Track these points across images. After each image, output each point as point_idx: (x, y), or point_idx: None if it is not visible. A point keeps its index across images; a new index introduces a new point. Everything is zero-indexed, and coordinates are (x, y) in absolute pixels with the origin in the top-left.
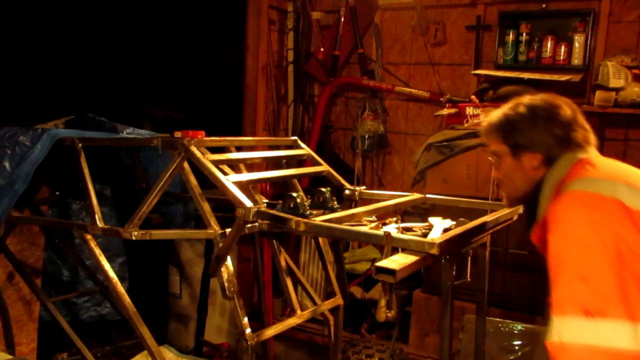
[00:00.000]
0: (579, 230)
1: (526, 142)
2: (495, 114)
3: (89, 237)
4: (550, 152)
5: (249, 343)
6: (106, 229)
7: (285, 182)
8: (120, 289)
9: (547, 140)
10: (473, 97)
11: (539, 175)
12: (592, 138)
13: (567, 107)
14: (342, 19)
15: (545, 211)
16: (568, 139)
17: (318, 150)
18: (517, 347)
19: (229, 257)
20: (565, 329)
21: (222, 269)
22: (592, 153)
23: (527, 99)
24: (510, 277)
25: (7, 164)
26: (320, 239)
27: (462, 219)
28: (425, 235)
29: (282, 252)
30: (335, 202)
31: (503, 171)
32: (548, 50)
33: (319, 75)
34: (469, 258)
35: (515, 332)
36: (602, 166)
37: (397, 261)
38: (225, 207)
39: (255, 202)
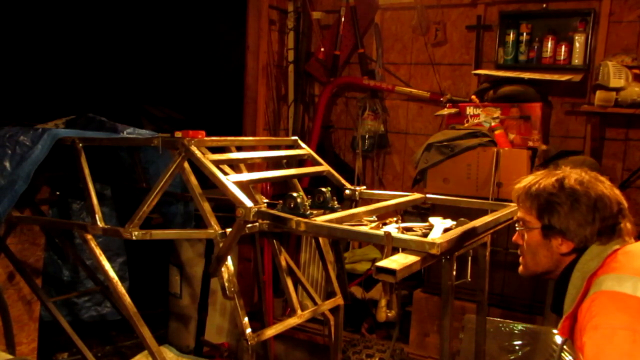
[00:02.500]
0: (617, 338)
1: (561, 228)
2: (535, 183)
3: (89, 237)
4: (583, 243)
5: (249, 343)
6: (106, 229)
7: (285, 182)
8: (121, 288)
9: (583, 232)
10: (473, 97)
11: (567, 260)
12: (630, 226)
13: (611, 196)
14: (343, 19)
15: (576, 304)
16: (605, 232)
17: (318, 150)
18: (517, 347)
19: (229, 257)
20: None
21: (223, 269)
22: (628, 241)
23: (573, 177)
24: (511, 277)
25: (7, 164)
26: (320, 239)
27: (462, 219)
28: (425, 235)
29: (283, 252)
30: (336, 202)
31: (527, 243)
32: (548, 50)
33: (319, 75)
34: (470, 258)
35: (516, 332)
36: (633, 258)
37: (398, 261)
38: (226, 207)
39: (255, 202)
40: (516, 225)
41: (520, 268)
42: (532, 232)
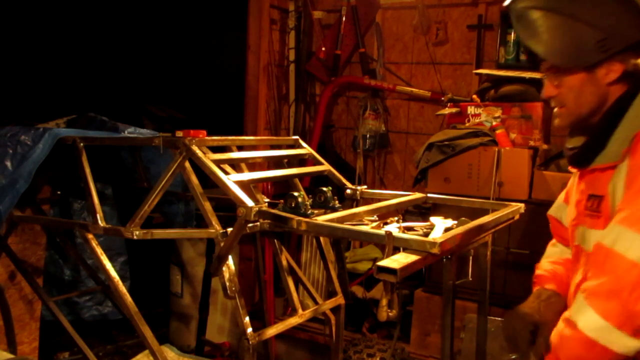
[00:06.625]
0: None
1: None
2: None
3: (90, 236)
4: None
5: (250, 342)
6: (108, 229)
7: (286, 181)
8: (122, 288)
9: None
10: (474, 96)
11: (615, 92)
12: None
13: None
14: (344, 18)
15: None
16: None
17: (319, 150)
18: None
19: (230, 257)
20: (623, 239)
21: (224, 269)
22: None
23: None
24: (512, 277)
25: (8, 163)
26: (321, 239)
27: (463, 218)
28: (426, 234)
29: (284, 251)
30: (337, 202)
31: (568, 86)
32: None
33: (320, 74)
34: (471, 257)
35: None
36: None
37: (399, 260)
38: (227, 207)
39: (256, 201)
40: (544, 78)
41: (558, 120)
42: (571, 72)
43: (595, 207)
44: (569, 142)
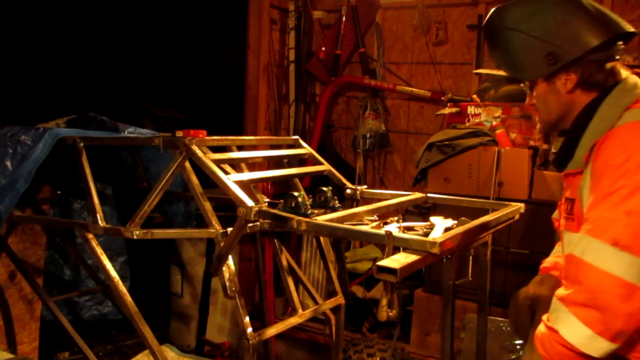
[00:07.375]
0: None
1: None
2: None
3: (90, 236)
4: (587, 72)
5: (250, 342)
6: (108, 228)
7: (286, 181)
8: (122, 288)
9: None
10: (474, 96)
11: (578, 101)
12: None
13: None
14: (344, 18)
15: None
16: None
17: (319, 150)
18: (518, 347)
19: (230, 257)
20: (591, 249)
21: (224, 268)
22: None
23: None
24: (512, 277)
25: (8, 163)
26: (321, 238)
27: (463, 218)
28: (426, 234)
29: (284, 251)
30: (337, 202)
31: (537, 96)
32: None
33: (320, 74)
34: (471, 257)
35: None
36: None
37: (399, 260)
38: (227, 207)
39: (256, 201)
40: (522, 85)
41: (538, 125)
42: (537, 82)
43: (570, 210)
44: (554, 146)
